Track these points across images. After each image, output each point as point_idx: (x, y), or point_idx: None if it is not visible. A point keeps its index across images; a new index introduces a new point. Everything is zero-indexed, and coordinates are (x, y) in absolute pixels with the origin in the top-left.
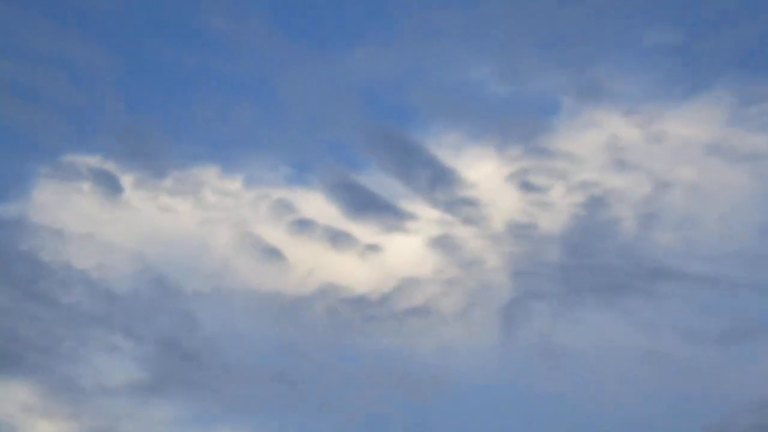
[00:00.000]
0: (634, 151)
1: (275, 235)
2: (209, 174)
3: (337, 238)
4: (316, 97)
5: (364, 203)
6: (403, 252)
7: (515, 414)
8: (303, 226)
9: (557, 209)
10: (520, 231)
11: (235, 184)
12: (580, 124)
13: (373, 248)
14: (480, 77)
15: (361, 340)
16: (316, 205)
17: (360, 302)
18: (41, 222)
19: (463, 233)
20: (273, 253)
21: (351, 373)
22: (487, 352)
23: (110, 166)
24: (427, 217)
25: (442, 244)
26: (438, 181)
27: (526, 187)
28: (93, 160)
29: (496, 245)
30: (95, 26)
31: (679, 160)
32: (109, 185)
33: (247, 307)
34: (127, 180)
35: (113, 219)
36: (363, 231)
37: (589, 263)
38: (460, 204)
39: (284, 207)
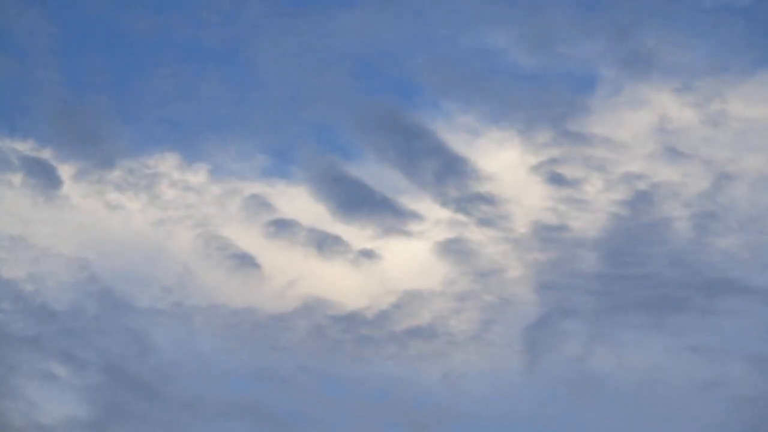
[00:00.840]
0: (688, 137)
1: (248, 238)
2: (167, 164)
3: (325, 243)
4: (298, 70)
5: (357, 200)
6: (405, 260)
7: None
8: (282, 227)
9: (594, 208)
10: (548, 234)
11: (198, 176)
12: (622, 104)
13: (368, 255)
14: (500, 45)
15: (354, 366)
16: (299, 202)
17: (352, 320)
18: None
19: (479, 237)
20: (245, 261)
21: (341, 406)
22: (506, 382)
23: (45, 154)
24: (435, 217)
25: (453, 250)
26: (448, 174)
27: (557, 180)
28: (24, 147)
29: (518, 252)
30: None
31: (744, 147)
32: (44, 177)
33: (213, 326)
34: (65, 171)
35: (49, 219)
36: (356, 234)
37: (632, 274)
38: (474, 201)
39: (259, 204)
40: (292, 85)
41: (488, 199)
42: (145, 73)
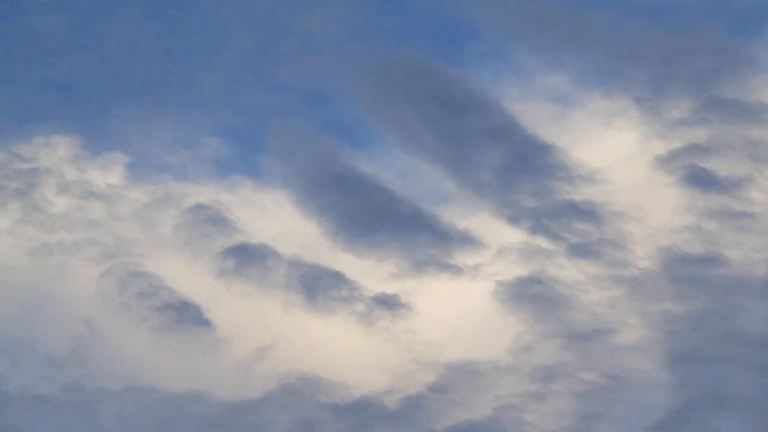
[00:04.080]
0: None
1: (191, 277)
2: (55, 153)
3: (318, 285)
4: (273, 4)
5: (370, 215)
6: (450, 313)
7: None
8: (247, 259)
9: (764, 227)
10: (690, 271)
11: (108, 174)
12: None
13: (389, 305)
14: None
15: None
16: (275, 216)
17: (364, 412)
18: None
19: (574, 274)
20: (186, 316)
21: None
22: None
23: None
24: (500, 241)
25: (530, 296)
26: (521, 170)
27: (703, 181)
28: None
29: (639, 300)
30: None
31: None
32: None
33: (130, 423)
34: None
35: None
36: (369, 270)
37: None
38: (565, 216)
39: (209, 221)
40: (261, 27)
41: (588, 213)
42: (17, 3)
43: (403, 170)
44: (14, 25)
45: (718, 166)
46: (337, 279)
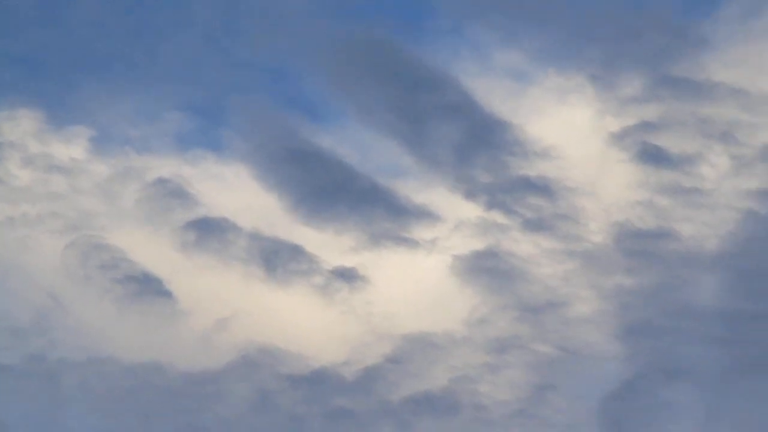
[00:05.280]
0: None
1: (153, 250)
2: (19, 128)
3: (277, 258)
4: None
5: (330, 189)
6: (407, 285)
7: None
8: (208, 232)
9: (717, 202)
10: (641, 245)
11: (71, 147)
12: (762, 32)
13: (347, 277)
14: None
15: None
16: (236, 190)
17: (321, 383)
18: None
19: (528, 248)
20: (148, 287)
21: None
22: None
23: None
24: (457, 216)
25: (486, 269)
26: (477, 146)
27: (654, 157)
28: None
29: (592, 273)
30: None
31: None
32: None
33: (92, 392)
34: None
35: None
36: (328, 243)
37: None
38: (520, 190)
39: (171, 194)
40: (224, 5)
41: (542, 188)
42: None
43: (361, 145)
44: None
45: (670, 142)
46: (296, 252)
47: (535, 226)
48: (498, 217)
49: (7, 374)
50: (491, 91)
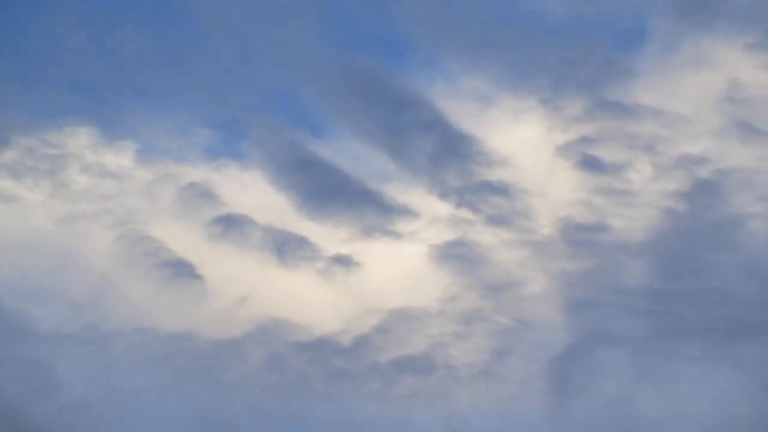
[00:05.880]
0: (766, 108)
1: (186, 241)
2: (79, 141)
3: (286, 247)
4: (251, 21)
5: (329, 191)
6: (391, 269)
7: None
8: (231, 226)
9: (641, 201)
10: (580, 236)
11: (121, 157)
12: (678, 64)
13: (343, 262)
14: None
15: (324, 408)
16: (253, 192)
17: (322, 348)
18: None
19: (489, 239)
20: (182, 271)
21: None
22: (526, 429)
23: None
24: (431, 213)
25: (455, 256)
26: (448, 156)
27: (592, 165)
28: None
29: (541, 259)
30: None
31: None
32: None
33: (138, 356)
34: None
35: None
36: (328, 235)
37: (692, 289)
38: (483, 192)
39: (200, 195)
40: (242, 39)
41: (501, 190)
42: (49, 22)
43: (354, 155)
44: (45, 39)
45: (604, 153)
46: (301, 242)
47: (496, 221)
48: (465, 213)
49: (68, 341)
50: (459, 111)
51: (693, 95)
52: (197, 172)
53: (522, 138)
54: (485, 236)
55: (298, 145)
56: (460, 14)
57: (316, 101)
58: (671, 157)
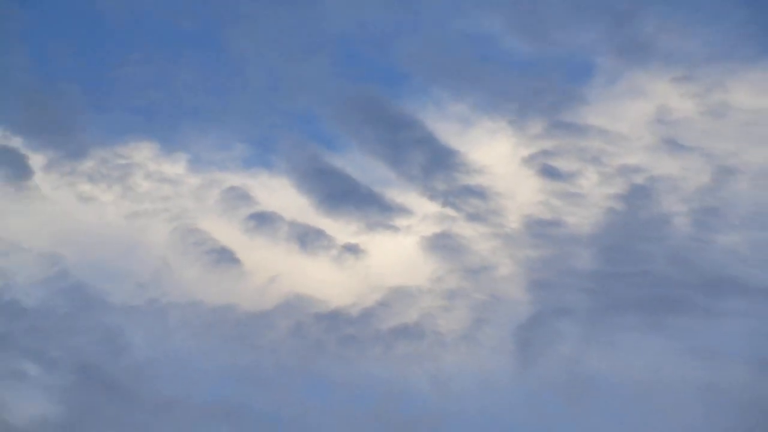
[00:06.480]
0: (688, 128)
1: (227, 232)
2: (142, 154)
3: (307, 238)
4: (279, 57)
5: (341, 193)
6: (390, 255)
7: None
8: (263, 221)
9: (589, 202)
10: (540, 230)
11: (175, 166)
12: (619, 93)
13: (352, 250)
14: (492, 31)
15: (338, 367)
16: (280, 194)
17: (335, 319)
18: None
19: (468, 232)
20: (224, 256)
21: (324, 409)
22: (497, 383)
23: (15, 142)
24: (422, 211)
25: (441, 245)
26: (436, 166)
27: (550, 173)
28: None
29: (510, 248)
30: None
31: (746, 139)
32: (14, 167)
33: (190, 324)
34: (36, 161)
35: (19, 211)
36: (340, 228)
37: (629, 271)
38: (464, 195)
39: (239, 197)
40: (272, 72)
41: (478, 193)
42: (119, 59)
43: (362, 165)
44: (116, 73)
45: (560, 164)
46: (319, 234)
47: (474, 217)
48: (450, 212)
49: (135, 312)
50: (446, 131)
51: (630, 118)
52: (236, 178)
53: (495, 152)
54: (466, 230)
55: (317, 157)
56: (446, 53)
57: (331, 122)
58: (613, 167)
